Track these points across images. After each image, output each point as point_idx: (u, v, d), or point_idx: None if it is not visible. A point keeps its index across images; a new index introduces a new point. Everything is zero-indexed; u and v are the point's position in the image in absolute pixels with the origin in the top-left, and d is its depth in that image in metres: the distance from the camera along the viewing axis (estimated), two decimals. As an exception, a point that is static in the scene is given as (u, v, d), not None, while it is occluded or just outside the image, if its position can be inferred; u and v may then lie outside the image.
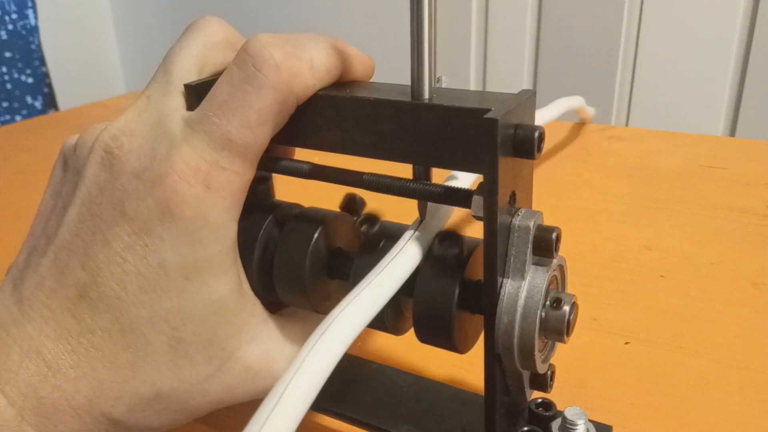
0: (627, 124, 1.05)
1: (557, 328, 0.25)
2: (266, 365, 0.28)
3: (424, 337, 0.28)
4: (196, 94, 0.28)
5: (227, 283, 0.27)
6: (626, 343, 0.39)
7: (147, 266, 0.25)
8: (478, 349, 0.29)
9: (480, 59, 1.16)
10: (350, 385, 0.34)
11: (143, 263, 0.25)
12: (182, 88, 0.28)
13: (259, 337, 0.28)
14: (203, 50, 0.30)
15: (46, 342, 0.25)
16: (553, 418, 0.29)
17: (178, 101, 0.28)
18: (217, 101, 0.26)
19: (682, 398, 0.34)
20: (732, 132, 0.98)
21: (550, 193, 0.62)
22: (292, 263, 0.30)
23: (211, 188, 0.25)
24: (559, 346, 0.29)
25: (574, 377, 0.36)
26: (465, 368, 0.36)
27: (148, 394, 0.26)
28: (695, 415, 0.33)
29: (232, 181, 0.26)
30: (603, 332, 0.40)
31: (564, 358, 0.33)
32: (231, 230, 0.27)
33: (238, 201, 0.27)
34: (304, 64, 0.27)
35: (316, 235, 0.30)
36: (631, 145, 0.76)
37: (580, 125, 0.82)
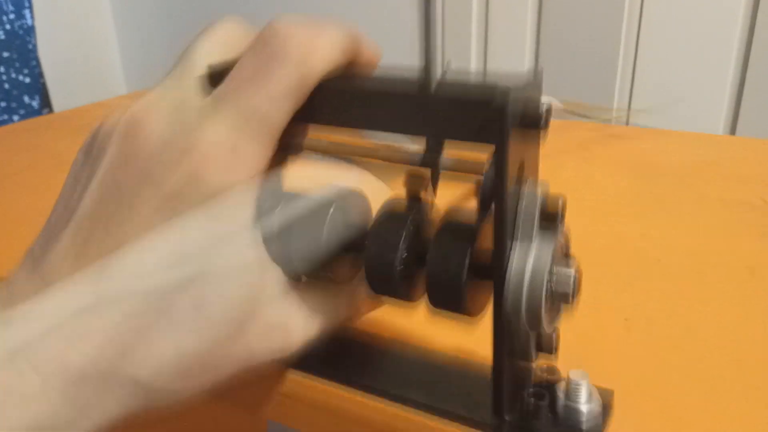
0: (627, 123, 1.07)
1: (564, 291, 0.26)
2: (284, 323, 0.30)
3: (437, 301, 0.29)
4: (219, 75, 0.29)
5: (249, 246, 0.28)
6: (626, 319, 0.40)
7: None
8: (484, 325, 0.30)
9: (480, 59, 1.18)
10: (360, 356, 0.36)
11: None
12: (205, 70, 0.29)
13: (279, 298, 0.30)
14: (225, 37, 0.31)
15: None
16: (557, 382, 0.31)
17: (201, 81, 0.29)
18: (244, 75, 0.27)
19: (682, 371, 0.35)
20: (732, 131, 0.99)
21: (551, 189, 0.63)
22: (310, 237, 0.31)
23: (237, 157, 0.27)
24: (561, 334, 0.30)
25: (576, 350, 0.37)
26: (472, 342, 0.37)
27: (172, 356, 0.27)
28: (695, 384, 0.34)
29: (257, 152, 0.27)
30: (603, 311, 0.41)
31: (565, 335, 0.35)
32: (253, 200, 0.28)
33: (260, 174, 0.28)
34: (325, 42, 0.28)
35: (332, 210, 0.31)
36: (631, 143, 0.77)
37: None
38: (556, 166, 0.69)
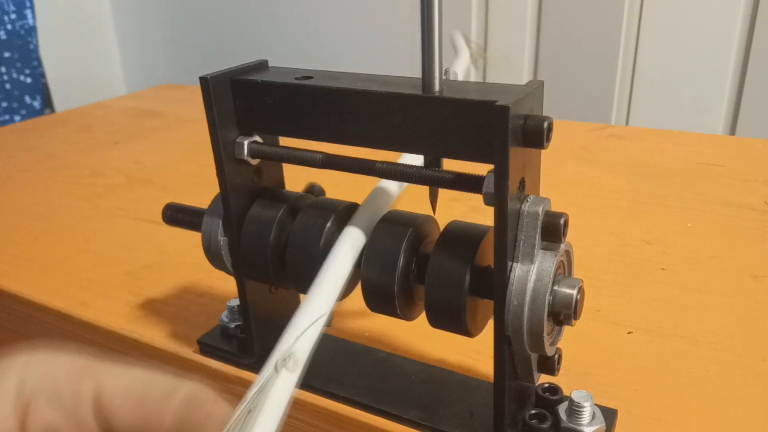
0: (627, 123, 1.06)
1: (565, 312, 0.26)
2: None
3: (436, 321, 0.29)
4: None
5: None
6: (629, 332, 0.39)
7: None
8: (485, 337, 0.30)
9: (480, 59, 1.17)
10: (360, 372, 0.35)
11: None
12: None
13: None
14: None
15: None
16: (560, 402, 0.30)
17: None
18: None
19: (683, 384, 0.35)
20: (732, 131, 0.99)
21: (551, 189, 0.62)
22: (307, 250, 0.31)
23: None
24: (564, 335, 0.29)
25: (579, 365, 0.36)
26: (472, 357, 0.37)
27: None
28: (697, 400, 0.34)
29: None
30: (606, 323, 0.41)
31: (569, 347, 0.34)
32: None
33: None
34: None
35: (329, 224, 0.31)
36: (631, 143, 0.77)
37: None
38: (556, 166, 0.69)
